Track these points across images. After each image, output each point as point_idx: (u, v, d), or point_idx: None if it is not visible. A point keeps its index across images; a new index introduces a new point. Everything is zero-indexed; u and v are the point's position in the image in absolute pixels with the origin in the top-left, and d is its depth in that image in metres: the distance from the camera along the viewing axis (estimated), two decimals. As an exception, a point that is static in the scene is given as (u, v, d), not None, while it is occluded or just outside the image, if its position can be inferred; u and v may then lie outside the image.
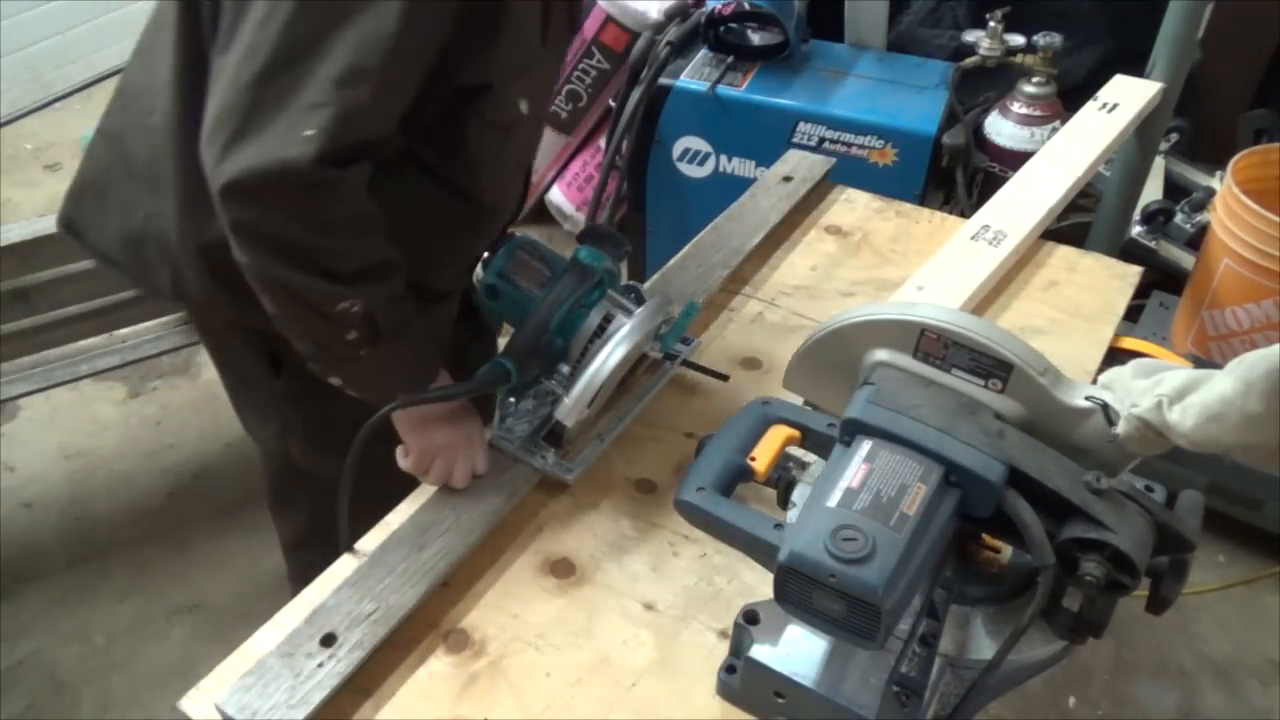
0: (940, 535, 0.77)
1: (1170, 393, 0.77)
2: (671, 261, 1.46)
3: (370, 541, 1.05)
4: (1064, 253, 1.52)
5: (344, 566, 1.03)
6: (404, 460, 1.09)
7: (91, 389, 2.63)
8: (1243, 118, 2.47)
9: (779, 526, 0.82)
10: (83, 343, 2.15)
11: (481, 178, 1.13)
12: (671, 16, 2.47)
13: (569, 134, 2.98)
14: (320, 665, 0.91)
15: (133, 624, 2.11)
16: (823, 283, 1.47)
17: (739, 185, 1.70)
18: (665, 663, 0.96)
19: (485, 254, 1.15)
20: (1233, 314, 1.94)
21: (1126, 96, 1.81)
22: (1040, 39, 2.16)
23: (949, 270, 1.40)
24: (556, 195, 3.03)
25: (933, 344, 0.86)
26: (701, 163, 2.37)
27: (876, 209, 1.63)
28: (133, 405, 2.64)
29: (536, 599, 1.02)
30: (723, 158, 2.34)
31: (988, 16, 2.20)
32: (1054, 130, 2.07)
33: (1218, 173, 2.30)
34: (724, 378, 1.28)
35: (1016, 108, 2.17)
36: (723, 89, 2.26)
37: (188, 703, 0.91)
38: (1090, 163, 1.63)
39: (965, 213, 1.85)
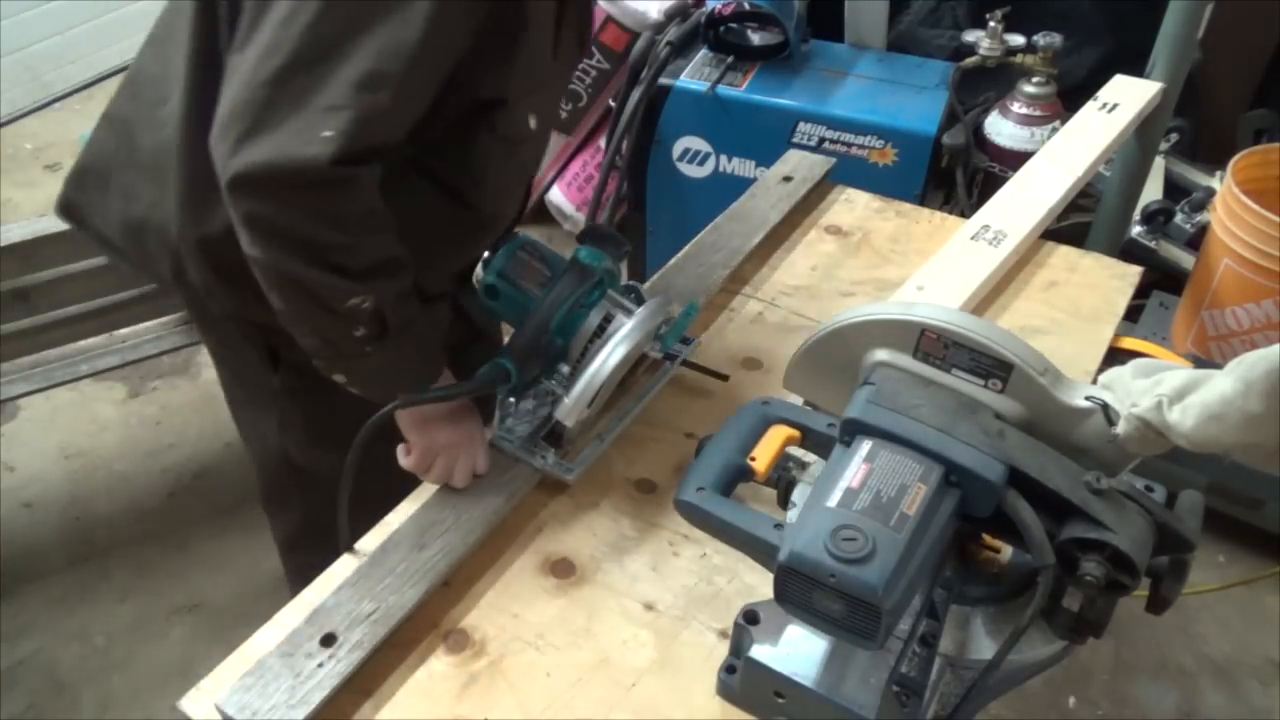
0: (940, 535, 0.77)
1: (1170, 393, 0.77)
2: (671, 261, 1.46)
3: (370, 541, 1.05)
4: (1064, 253, 1.52)
5: (344, 566, 1.03)
6: (405, 459, 1.09)
7: (91, 389, 2.63)
8: (1243, 118, 2.47)
9: (779, 526, 0.82)
10: (83, 343, 2.15)
11: (485, 188, 1.13)
12: (671, 16, 2.47)
13: (569, 134, 2.98)
14: (320, 665, 0.91)
15: (133, 624, 2.11)
16: (823, 283, 1.47)
17: (739, 185, 1.70)
18: (665, 663, 0.96)
19: (485, 254, 1.15)
20: (1233, 314, 1.94)
21: (1126, 96, 1.81)
22: (1040, 39, 2.16)
23: (949, 270, 1.40)
24: (556, 195, 3.03)
25: (933, 344, 0.86)
26: (701, 163, 2.37)
27: (876, 209, 1.63)
28: (133, 405, 2.64)
29: (536, 599, 1.02)
30: (723, 158, 2.34)
31: (988, 16, 2.20)
32: (1054, 130, 2.07)
33: (1218, 173, 2.30)
34: (724, 378, 1.28)
35: (1016, 108, 2.17)
36: (723, 89, 2.26)
37: (188, 703, 0.91)
38: (1090, 163, 1.63)
39: (965, 213, 1.85)
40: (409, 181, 1.04)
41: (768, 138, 2.23)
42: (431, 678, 0.95)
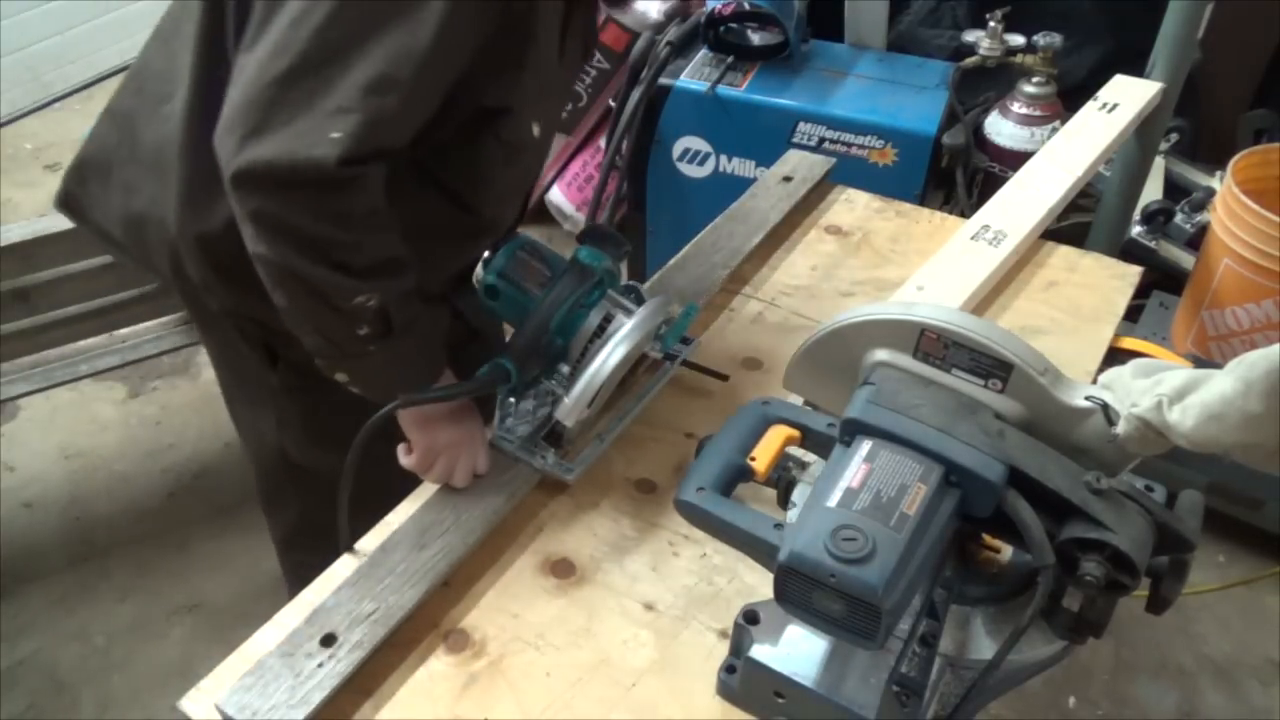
0: (940, 535, 0.77)
1: (1170, 393, 0.77)
2: (671, 261, 1.46)
3: (370, 541, 1.05)
4: (1064, 253, 1.52)
5: (344, 566, 1.03)
6: (406, 458, 1.09)
7: (91, 389, 2.63)
8: (1243, 118, 2.47)
9: (779, 526, 0.82)
10: (83, 343, 2.15)
11: (486, 193, 1.14)
12: (671, 16, 2.47)
13: (569, 134, 2.98)
14: (320, 665, 0.91)
15: (133, 624, 2.11)
16: (823, 283, 1.47)
17: (739, 185, 1.70)
18: (665, 663, 0.96)
19: (485, 254, 1.15)
20: (1233, 314, 1.94)
21: (1126, 96, 1.81)
22: (1040, 39, 2.16)
23: (949, 270, 1.40)
24: (556, 195, 3.03)
25: (933, 344, 0.86)
26: (701, 163, 2.37)
27: (876, 209, 1.63)
28: (133, 405, 2.64)
29: (536, 599, 1.02)
30: (723, 158, 2.34)
31: (988, 16, 2.20)
32: (1054, 130, 2.07)
33: (1218, 173, 2.30)
34: (724, 378, 1.28)
35: (1016, 108, 2.17)
36: (723, 89, 2.26)
37: (188, 703, 0.91)
38: (1090, 163, 1.63)
39: (965, 213, 1.85)
40: (410, 184, 1.04)
41: (768, 138, 2.23)
42: (431, 678, 0.95)
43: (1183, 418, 0.76)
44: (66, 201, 1.22)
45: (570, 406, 1.06)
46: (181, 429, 2.55)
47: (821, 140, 2.21)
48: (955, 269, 1.40)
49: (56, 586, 2.18)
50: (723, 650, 0.94)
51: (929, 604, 0.86)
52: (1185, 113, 2.30)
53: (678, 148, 2.37)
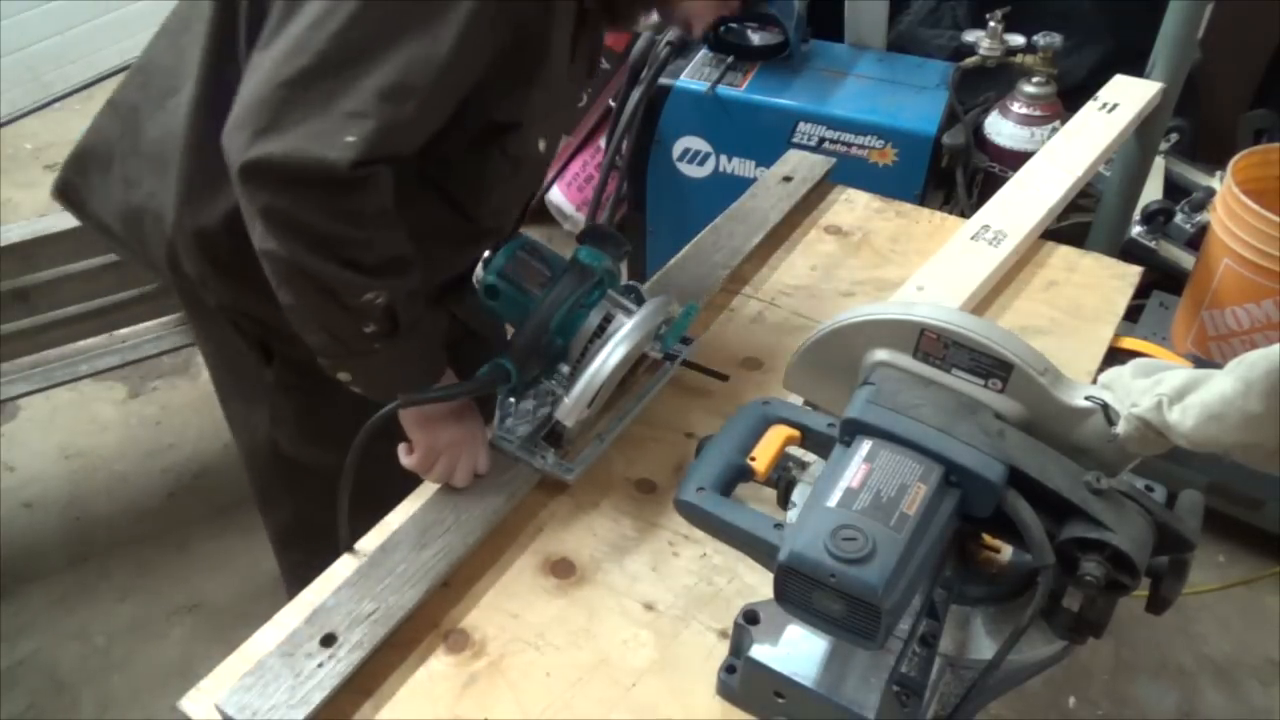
0: (940, 535, 0.77)
1: (1170, 392, 0.77)
2: (671, 261, 1.46)
3: (370, 541, 1.05)
4: (1064, 253, 1.52)
5: (344, 566, 1.03)
6: (407, 458, 1.09)
7: (91, 389, 2.63)
8: (1243, 118, 2.47)
9: (779, 526, 0.82)
10: (83, 343, 2.15)
11: (487, 203, 1.15)
12: (671, 17, 2.47)
13: (569, 134, 2.98)
14: (320, 665, 0.91)
15: (133, 624, 2.11)
16: (823, 283, 1.47)
17: (739, 185, 1.70)
18: (665, 663, 0.96)
19: (485, 254, 1.15)
20: (1233, 314, 1.94)
21: (1126, 96, 1.81)
22: (1040, 39, 2.16)
23: (949, 270, 1.40)
24: (556, 195, 3.03)
25: (933, 344, 0.86)
26: (701, 163, 2.37)
27: (876, 209, 1.63)
28: (133, 405, 2.64)
29: (536, 599, 1.02)
30: (723, 158, 2.34)
31: (988, 16, 2.20)
32: (1054, 130, 2.07)
33: (1218, 173, 2.30)
34: (724, 378, 1.28)
35: (1016, 108, 2.17)
36: (723, 89, 2.26)
37: (188, 703, 0.91)
38: (1090, 163, 1.63)
39: (965, 213, 1.85)
40: (412, 189, 1.04)
41: (768, 138, 2.23)
42: (431, 678, 0.95)
43: (1183, 418, 0.76)
44: (64, 191, 1.22)
45: (570, 406, 1.06)
46: (181, 429, 2.55)
47: (821, 140, 2.21)
48: (955, 269, 1.40)
49: (56, 586, 2.18)
50: (723, 650, 0.94)
51: (929, 604, 0.86)
52: (1185, 113, 2.30)
53: (678, 148, 2.37)
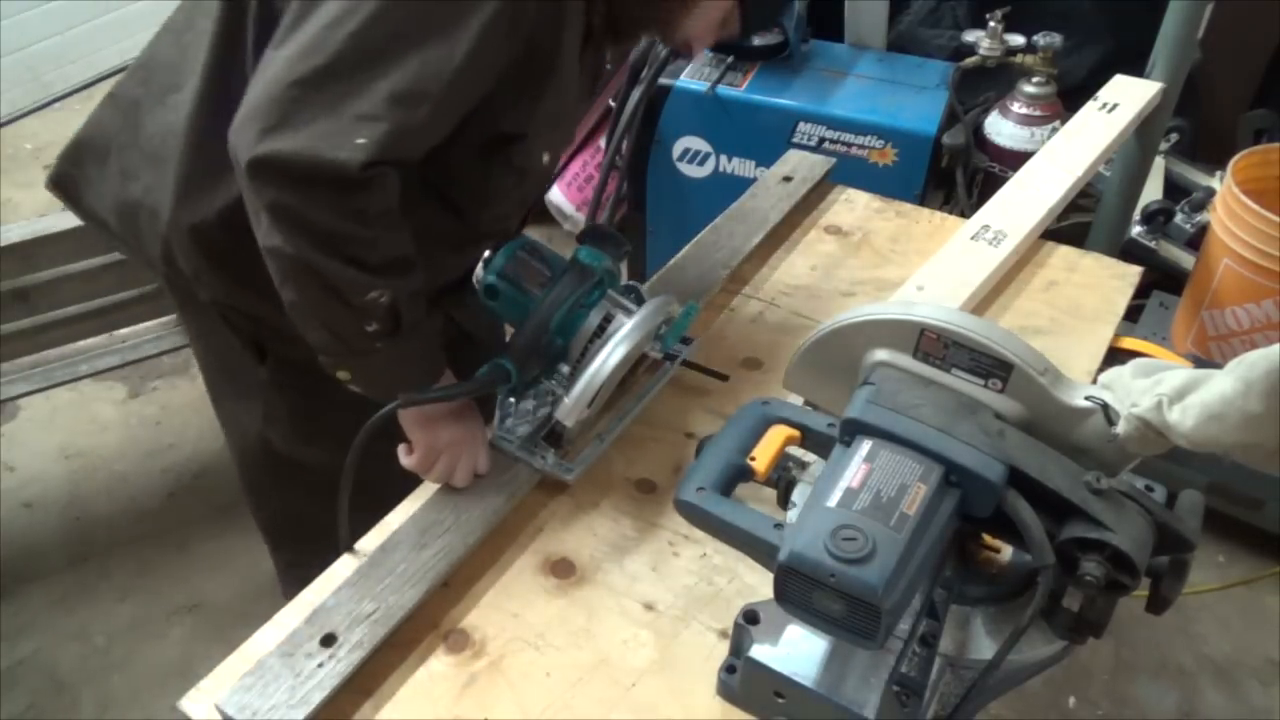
0: (940, 535, 0.77)
1: (1170, 392, 0.77)
2: (671, 261, 1.46)
3: (370, 541, 1.05)
4: (1064, 253, 1.52)
5: (344, 566, 1.03)
6: (406, 458, 1.09)
7: (91, 389, 2.63)
8: (1243, 118, 2.47)
9: (779, 526, 0.82)
10: (83, 343, 2.15)
11: (487, 211, 1.16)
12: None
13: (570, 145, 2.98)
14: (320, 665, 0.91)
15: (133, 624, 2.11)
16: (823, 283, 1.47)
17: (739, 185, 1.70)
18: (665, 663, 0.96)
19: (485, 254, 1.16)
20: (1233, 314, 1.94)
21: (1126, 96, 1.81)
22: (1040, 39, 2.16)
23: (949, 270, 1.40)
24: (556, 195, 3.03)
25: (933, 344, 0.86)
26: (701, 163, 2.37)
27: (876, 209, 1.63)
28: (133, 405, 2.64)
29: (536, 599, 1.02)
30: (723, 158, 2.34)
31: (988, 16, 2.20)
32: (1054, 130, 2.07)
33: (1218, 173, 2.30)
34: (724, 378, 1.28)
35: (1016, 108, 2.17)
36: (723, 89, 2.26)
37: (188, 703, 0.91)
38: (1090, 163, 1.63)
39: (965, 213, 1.85)
40: (415, 195, 1.04)
41: (768, 138, 2.23)
42: (431, 678, 0.95)
43: (1183, 418, 0.76)
44: (59, 182, 1.22)
45: (570, 406, 1.06)
46: (181, 429, 2.55)
47: (821, 140, 2.21)
48: (955, 269, 1.40)
49: (56, 586, 2.18)
50: (723, 650, 0.94)
51: (929, 604, 0.86)
52: (1185, 113, 2.30)
53: (678, 148, 2.37)
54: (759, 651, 0.86)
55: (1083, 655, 1.96)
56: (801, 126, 2.22)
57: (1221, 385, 0.74)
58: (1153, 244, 2.22)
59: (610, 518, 1.11)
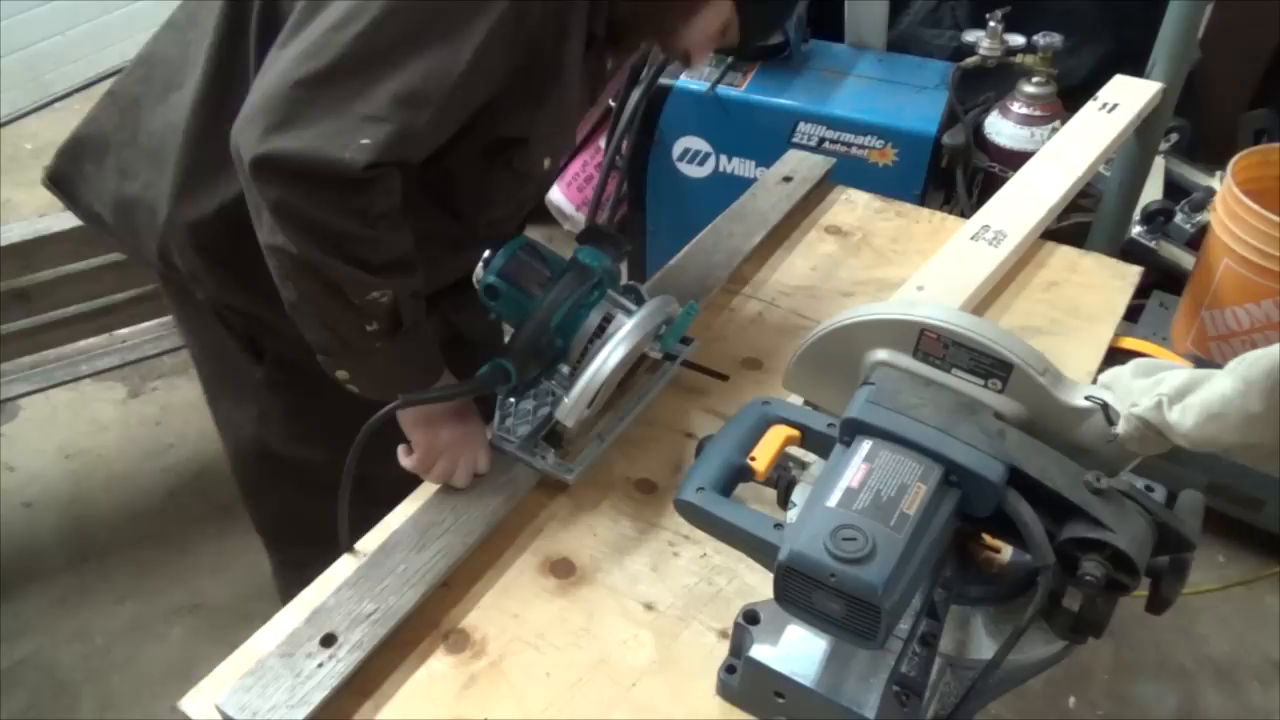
0: (940, 535, 0.77)
1: (1170, 392, 0.77)
2: (671, 261, 1.46)
3: (370, 541, 1.05)
4: (1064, 253, 1.52)
5: (344, 566, 1.03)
6: (406, 459, 1.09)
7: (91, 389, 2.63)
8: (1243, 118, 2.47)
9: (779, 526, 0.82)
10: (83, 343, 2.15)
11: (486, 214, 1.16)
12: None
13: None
14: (320, 665, 0.91)
15: (133, 624, 2.11)
16: (823, 283, 1.47)
17: (739, 185, 1.70)
18: (665, 663, 0.96)
19: (485, 254, 1.16)
20: (1233, 314, 1.94)
21: (1126, 96, 1.81)
22: (1040, 39, 2.16)
23: (949, 270, 1.40)
24: (556, 195, 3.03)
25: (933, 344, 0.86)
26: (701, 163, 2.37)
27: (876, 209, 1.63)
28: (133, 405, 2.64)
29: (536, 599, 1.02)
30: (723, 158, 2.34)
31: (988, 16, 2.20)
32: (1054, 130, 2.07)
33: (1218, 173, 2.30)
34: (724, 378, 1.28)
35: (1016, 108, 2.17)
36: (723, 89, 2.26)
37: (188, 703, 0.91)
38: (1090, 163, 1.63)
39: (965, 213, 1.85)
40: (414, 197, 1.04)
41: (768, 138, 2.23)
42: (431, 678, 0.95)
43: (1183, 418, 0.76)
44: (55, 178, 1.22)
45: (570, 407, 1.06)
46: (181, 429, 2.55)
47: (821, 140, 2.21)
48: (955, 269, 1.40)
49: (56, 586, 2.18)
50: (723, 650, 0.94)
51: (929, 604, 0.86)
52: (1185, 113, 2.30)
53: (678, 148, 2.37)
54: (759, 651, 0.86)
55: (1083, 655, 1.96)
56: (801, 126, 2.22)
57: (1221, 385, 0.74)
58: (1153, 244, 2.22)
59: (610, 518, 1.11)
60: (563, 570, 1.05)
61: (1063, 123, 1.90)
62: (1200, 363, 1.77)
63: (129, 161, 1.14)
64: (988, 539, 0.92)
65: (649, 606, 1.01)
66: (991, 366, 0.84)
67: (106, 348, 2.19)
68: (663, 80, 2.29)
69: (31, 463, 2.47)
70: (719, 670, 0.92)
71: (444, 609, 1.01)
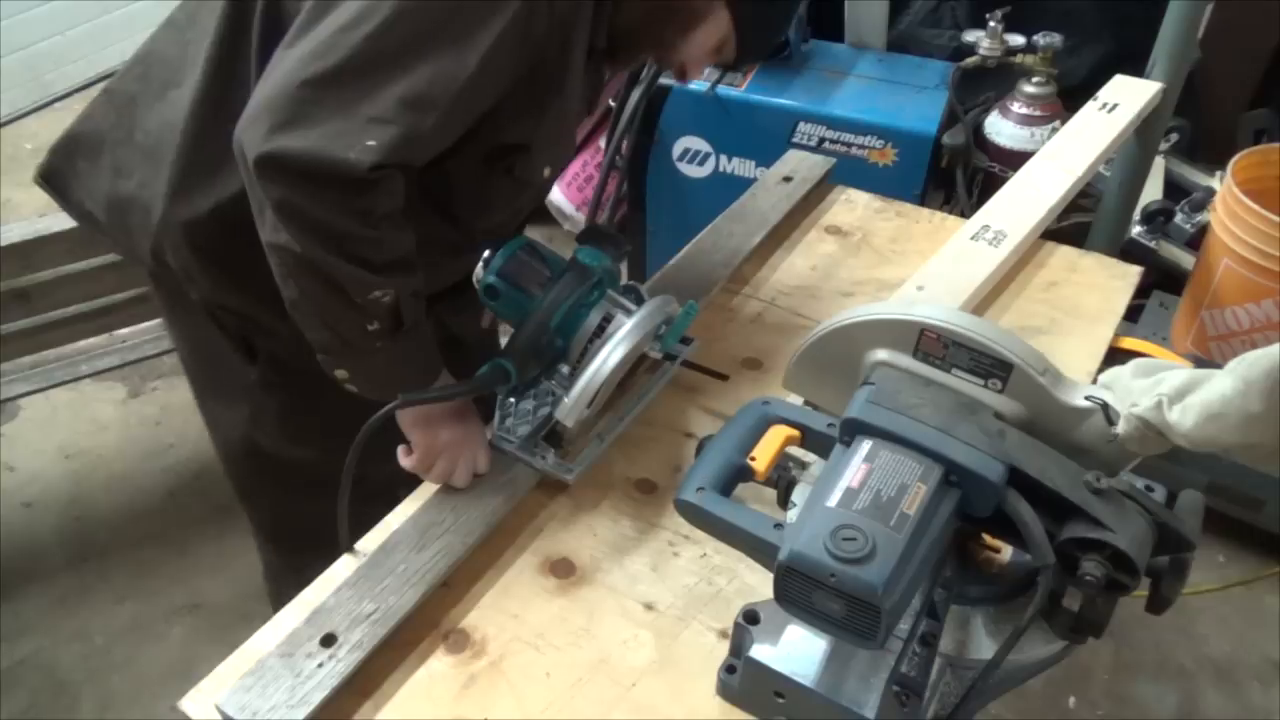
0: (940, 535, 0.77)
1: (1170, 392, 0.77)
2: (671, 261, 1.46)
3: (370, 541, 1.05)
4: (1064, 253, 1.52)
5: (344, 566, 1.03)
6: (406, 459, 1.09)
7: (91, 389, 2.63)
8: (1243, 118, 2.47)
9: (779, 526, 0.82)
10: (83, 343, 2.16)
11: (484, 220, 1.16)
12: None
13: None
14: (320, 665, 0.91)
15: (132, 624, 2.11)
16: (823, 283, 1.47)
17: (739, 185, 1.70)
18: (665, 663, 0.96)
19: (485, 254, 1.16)
20: (1233, 314, 1.94)
21: (1126, 96, 1.81)
22: (1040, 39, 2.16)
23: (949, 270, 1.40)
24: (556, 195, 3.03)
25: (933, 344, 0.86)
26: (701, 163, 2.37)
27: (876, 209, 1.63)
28: (133, 405, 2.64)
29: (536, 599, 1.02)
30: (723, 158, 2.34)
31: (988, 16, 2.20)
32: (1054, 130, 2.07)
33: (1218, 173, 2.30)
34: (724, 378, 1.28)
35: (1016, 108, 2.17)
36: (723, 89, 2.26)
37: (188, 703, 0.91)
38: (1090, 163, 1.63)
39: (965, 213, 1.85)
40: (413, 200, 1.04)
41: (768, 138, 2.23)
42: (431, 678, 0.95)
43: (1183, 417, 0.76)
44: (48, 176, 1.21)
45: (570, 406, 1.06)
46: (181, 429, 2.55)
47: (821, 140, 2.21)
48: (955, 269, 1.40)
49: (56, 586, 2.18)
50: (723, 650, 0.94)
51: (929, 604, 0.86)
52: (1185, 113, 2.30)
53: (678, 148, 2.37)
54: (759, 651, 0.86)
55: (1083, 655, 1.96)
56: (801, 126, 2.22)
57: (1221, 385, 0.74)
58: (1153, 244, 2.22)
59: (610, 518, 1.11)
60: (563, 570, 1.05)
61: (1063, 123, 1.90)
62: (1200, 363, 1.77)
63: (124, 159, 1.14)
64: (988, 539, 0.92)
65: (649, 606, 1.01)
66: (991, 366, 0.84)
67: (106, 348, 2.19)
68: (663, 80, 2.29)
69: (31, 463, 2.47)
70: (719, 670, 0.92)
71: (444, 609, 1.01)
